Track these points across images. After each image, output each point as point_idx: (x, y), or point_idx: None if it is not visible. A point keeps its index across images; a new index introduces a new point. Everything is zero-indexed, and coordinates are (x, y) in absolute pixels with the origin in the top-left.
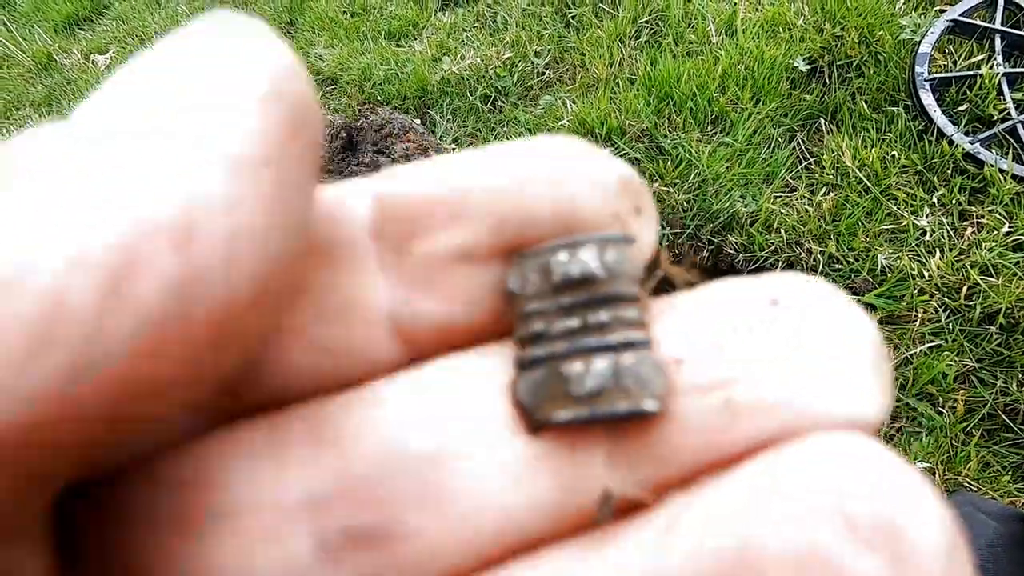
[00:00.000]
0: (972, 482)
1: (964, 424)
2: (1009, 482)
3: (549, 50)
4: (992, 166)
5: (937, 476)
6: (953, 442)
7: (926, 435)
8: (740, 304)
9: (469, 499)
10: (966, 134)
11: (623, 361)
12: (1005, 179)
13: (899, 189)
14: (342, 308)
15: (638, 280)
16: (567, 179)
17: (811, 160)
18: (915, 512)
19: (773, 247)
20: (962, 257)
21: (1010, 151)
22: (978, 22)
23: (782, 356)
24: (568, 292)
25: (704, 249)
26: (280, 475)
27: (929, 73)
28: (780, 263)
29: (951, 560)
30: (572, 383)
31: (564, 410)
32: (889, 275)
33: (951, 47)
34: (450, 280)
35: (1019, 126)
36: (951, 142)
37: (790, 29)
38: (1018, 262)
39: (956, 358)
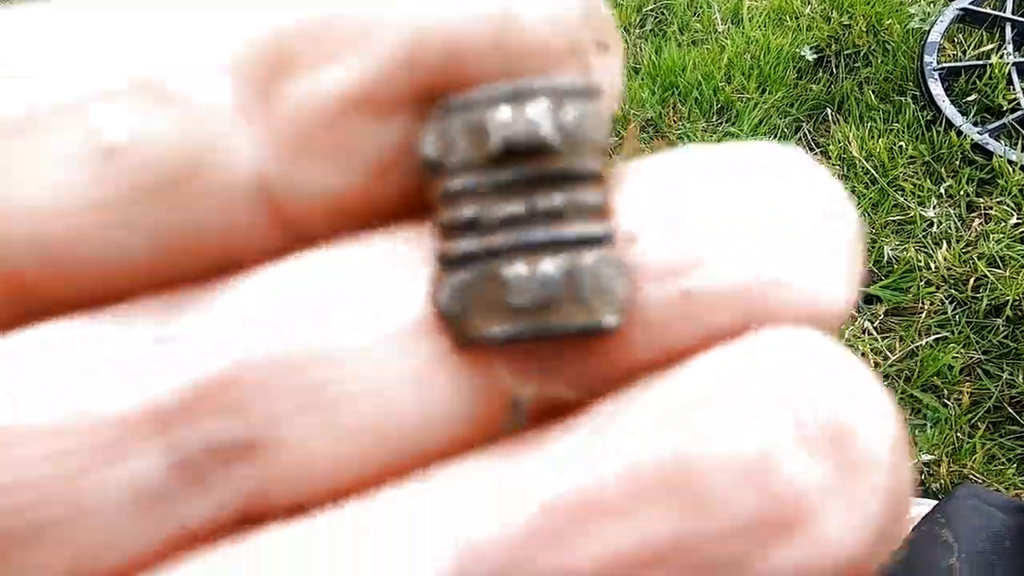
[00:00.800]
0: (977, 474)
1: (969, 416)
2: (1014, 474)
3: None
4: (1001, 157)
5: (942, 468)
6: (958, 434)
7: (931, 427)
8: (705, 172)
9: (358, 407)
10: (975, 124)
11: (580, 262)
12: (1014, 170)
13: (906, 180)
14: (186, 182)
15: (602, 150)
16: None
17: (817, 151)
18: (864, 417)
19: None
20: (969, 249)
21: (1019, 142)
22: (988, 11)
23: (748, 234)
24: (509, 164)
25: None
26: (112, 381)
27: (938, 63)
28: None
29: (896, 466)
30: (513, 289)
31: (501, 324)
32: (895, 266)
33: (960, 36)
34: (340, 138)
35: None
36: (959, 132)
37: (797, 18)
38: None
39: (962, 350)
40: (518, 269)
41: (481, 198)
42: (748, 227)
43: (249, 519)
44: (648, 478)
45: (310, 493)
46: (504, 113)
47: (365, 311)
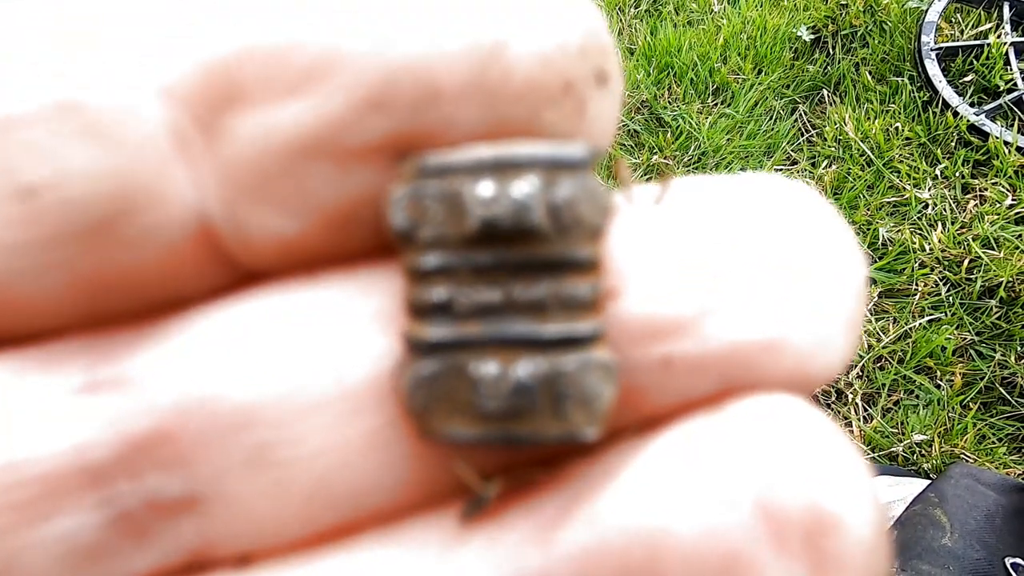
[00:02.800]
0: (969, 454)
1: (961, 397)
2: (1005, 453)
3: None
4: (997, 138)
5: (934, 448)
6: (950, 415)
7: (924, 408)
8: (700, 215)
9: (306, 469)
10: (971, 105)
11: (561, 366)
12: (1010, 151)
13: (902, 162)
14: (116, 223)
15: (597, 232)
16: (500, 23)
17: (813, 132)
18: (844, 507)
19: None
20: (964, 230)
21: (1015, 123)
22: None
23: (742, 288)
24: (489, 245)
25: None
26: (37, 433)
27: (935, 43)
28: None
29: (873, 558)
30: (482, 392)
31: (466, 427)
32: (890, 248)
33: (958, 16)
34: (294, 183)
35: None
36: (956, 113)
37: None
38: (1020, 235)
39: (955, 332)
40: (489, 369)
41: (455, 280)
42: (743, 279)
43: (194, 569)
44: (601, 566)
45: (256, 546)
46: (486, 188)
47: (318, 367)
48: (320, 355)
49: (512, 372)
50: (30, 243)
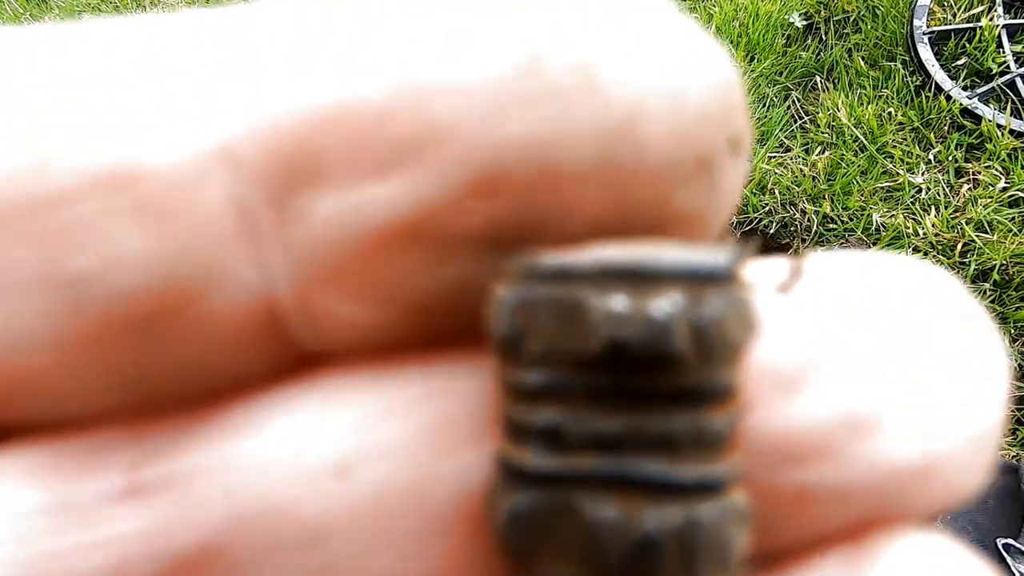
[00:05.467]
0: None
1: None
2: None
3: None
4: (990, 121)
5: None
6: None
7: None
8: (843, 306)
9: None
10: (964, 89)
11: (697, 517)
12: (1003, 134)
13: (895, 147)
14: (171, 315)
15: (740, 353)
16: (627, 85)
17: (806, 119)
18: None
19: (767, 208)
20: (957, 214)
21: (1008, 106)
22: None
23: (891, 402)
24: (615, 369)
25: None
26: (79, 544)
27: (927, 26)
28: (774, 224)
29: None
30: (599, 537)
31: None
32: (884, 233)
33: None
34: (378, 273)
35: (1018, 80)
36: (949, 97)
37: None
38: (1013, 218)
39: None
40: (607, 513)
41: (568, 403)
42: (903, 387)
43: None
44: None
45: None
46: (619, 303)
47: (398, 478)
48: (400, 463)
49: (637, 521)
50: (75, 337)
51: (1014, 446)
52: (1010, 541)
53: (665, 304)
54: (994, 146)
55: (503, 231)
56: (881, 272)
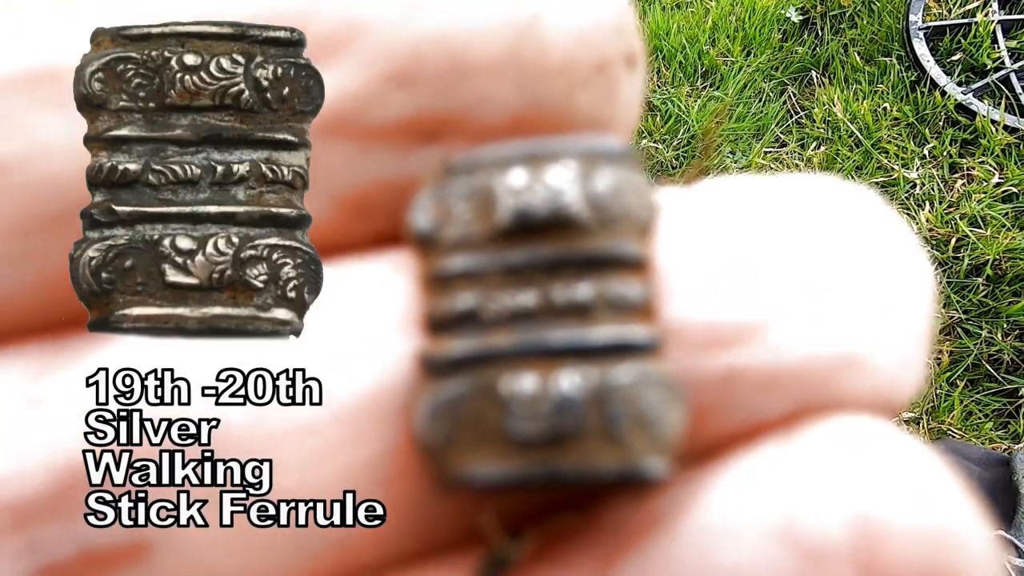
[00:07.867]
0: (956, 430)
1: (948, 374)
2: (991, 429)
3: None
4: (984, 117)
5: (922, 425)
6: (937, 392)
7: None
8: (763, 213)
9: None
10: (959, 84)
11: (613, 379)
12: (997, 130)
13: (890, 142)
14: None
15: (643, 228)
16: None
17: (802, 114)
18: (965, 538)
19: None
20: (951, 209)
21: (1003, 101)
22: None
23: (816, 295)
24: (522, 243)
25: None
26: None
27: (923, 21)
28: None
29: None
30: (516, 412)
31: (496, 462)
32: None
33: None
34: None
35: (1013, 75)
36: (943, 93)
37: None
38: (1007, 213)
39: (943, 310)
40: (524, 384)
41: (483, 284)
42: (812, 285)
43: None
44: None
45: None
46: (518, 177)
47: (310, 375)
48: (317, 360)
49: (553, 385)
50: None
51: (1005, 439)
52: (1002, 533)
53: (560, 171)
54: (988, 142)
55: (422, 123)
56: (802, 185)
